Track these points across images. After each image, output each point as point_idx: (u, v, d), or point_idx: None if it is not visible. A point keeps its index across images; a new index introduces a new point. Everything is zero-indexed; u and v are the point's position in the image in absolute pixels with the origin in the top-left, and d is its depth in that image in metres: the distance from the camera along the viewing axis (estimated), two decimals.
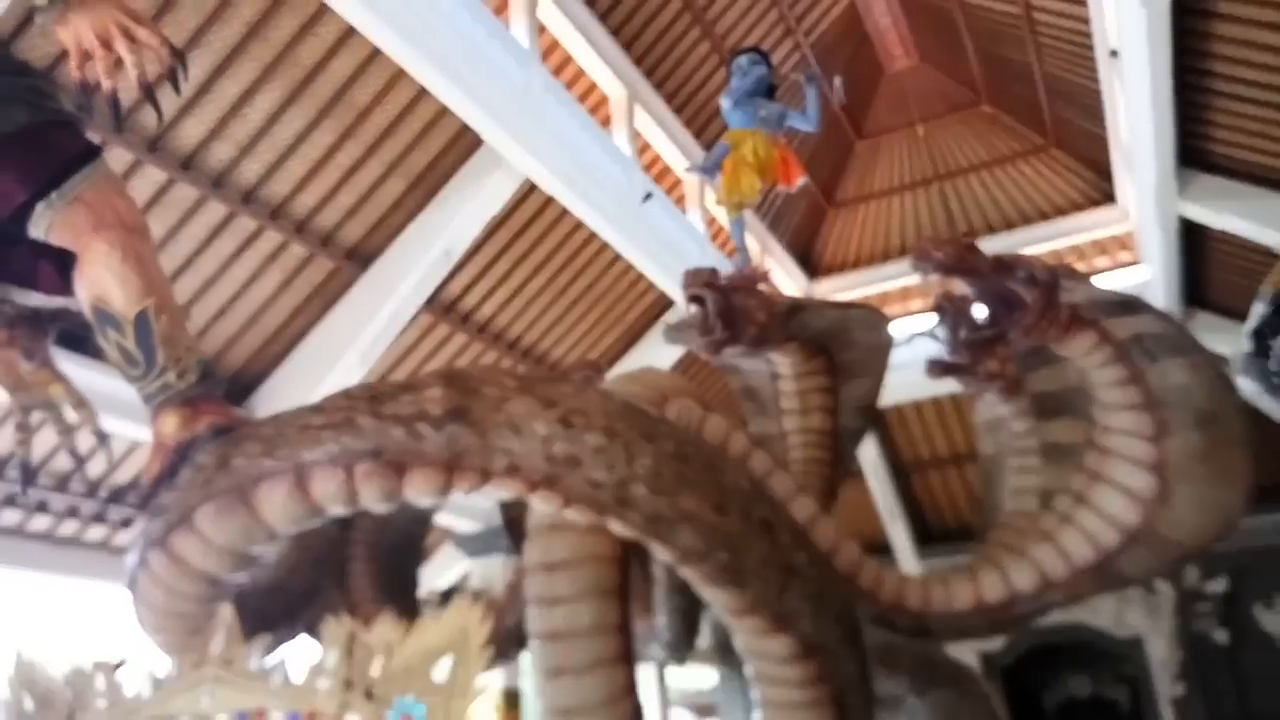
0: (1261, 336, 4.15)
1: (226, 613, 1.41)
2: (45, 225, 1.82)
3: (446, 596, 11.69)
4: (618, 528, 1.92)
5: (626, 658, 2.47)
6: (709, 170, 4.40)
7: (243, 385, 8.85)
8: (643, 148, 10.75)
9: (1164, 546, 2.61)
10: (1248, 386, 4.20)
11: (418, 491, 1.80)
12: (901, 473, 14.45)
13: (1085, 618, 12.14)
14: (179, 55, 1.83)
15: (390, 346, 9.20)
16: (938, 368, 3.26)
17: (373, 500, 1.80)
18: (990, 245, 12.73)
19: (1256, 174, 9.57)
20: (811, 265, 15.90)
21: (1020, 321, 2.58)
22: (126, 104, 1.82)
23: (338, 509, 1.81)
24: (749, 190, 4.03)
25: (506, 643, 3.45)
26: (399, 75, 7.60)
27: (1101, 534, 2.68)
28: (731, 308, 3.64)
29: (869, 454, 13.56)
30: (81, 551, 8.94)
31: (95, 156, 1.91)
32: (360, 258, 8.79)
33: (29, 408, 2.08)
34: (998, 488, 3.77)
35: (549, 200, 9.28)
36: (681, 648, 3.58)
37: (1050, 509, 2.86)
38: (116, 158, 6.77)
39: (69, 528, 8.79)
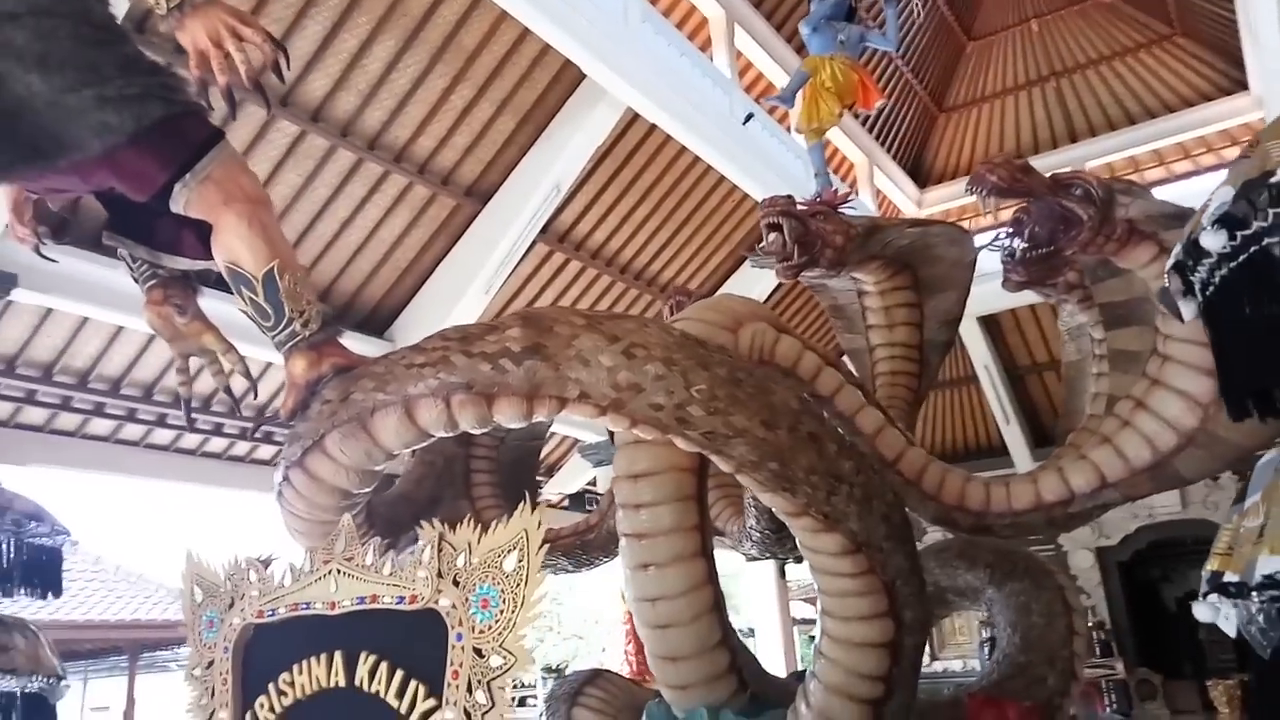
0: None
1: (348, 520, 1.78)
2: (183, 202, 2.13)
3: (575, 499, 12.43)
4: (680, 443, 2.21)
5: (704, 553, 2.78)
6: (786, 99, 4.49)
7: (382, 318, 9.54)
8: (745, 68, 10.70)
9: (1221, 448, 2.71)
10: None
11: (505, 417, 2.13)
12: (1016, 376, 14.15)
13: (1205, 513, 11.83)
14: (280, 46, 2.13)
15: (511, 275, 9.70)
16: (1013, 281, 3.37)
17: (469, 425, 2.14)
18: (1113, 142, 12.18)
19: None
20: (922, 175, 15.47)
21: (1076, 238, 2.68)
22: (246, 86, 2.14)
23: (440, 433, 2.16)
24: (827, 115, 4.12)
25: (611, 541, 3.83)
26: (502, 17, 7.86)
27: (1159, 436, 2.79)
28: (809, 232, 3.79)
29: (983, 358, 13.37)
30: (230, 464, 10.01)
31: (220, 139, 2.22)
32: (478, 194, 9.23)
33: (186, 355, 2.48)
34: (1079, 393, 3.87)
35: (652, 128, 9.43)
36: (771, 545, 3.87)
37: (1112, 413, 2.98)
38: (251, 114, 7.35)
39: (217, 445, 9.83)
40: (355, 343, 7.99)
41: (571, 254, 10.48)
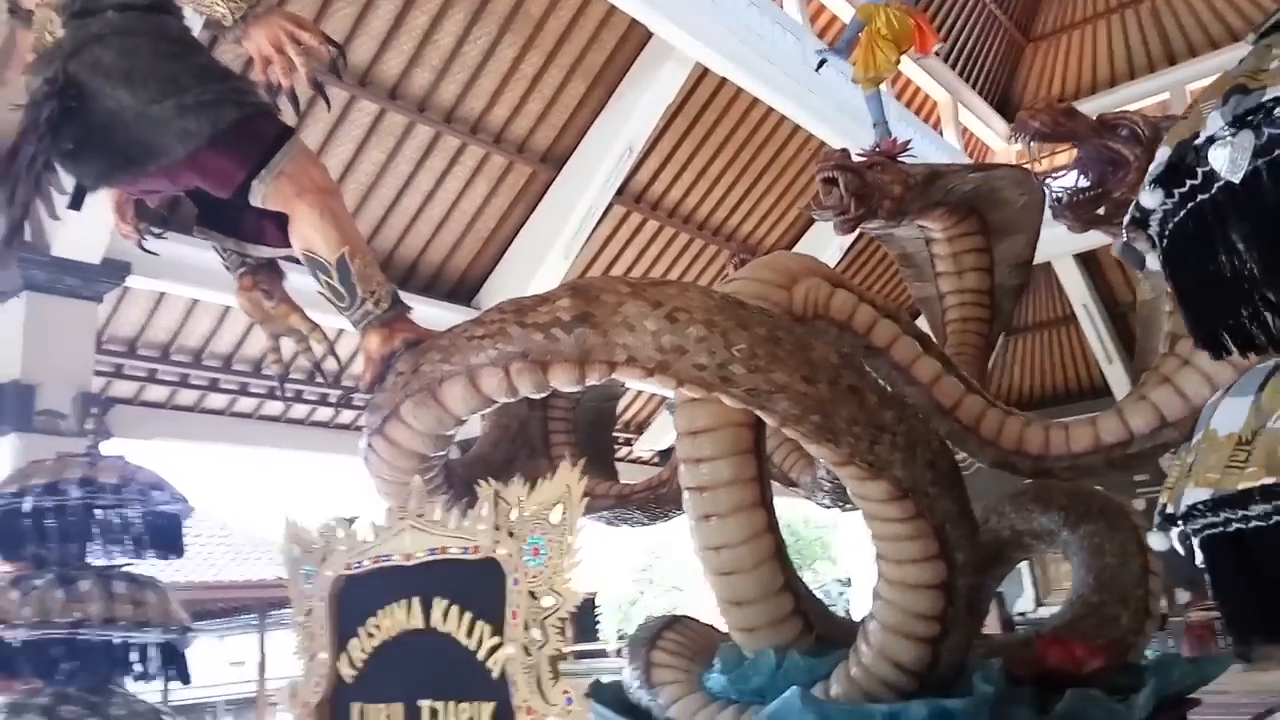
0: None
1: (418, 481, 1.97)
2: (261, 196, 2.33)
3: (664, 454, 12.68)
4: (726, 400, 2.34)
5: (763, 503, 2.90)
6: (842, 51, 4.48)
7: (469, 287, 9.86)
8: (816, 12, 10.52)
9: None
10: None
11: (559, 382, 2.29)
12: (1117, 314, 13.67)
13: None
14: (339, 48, 2.29)
15: (590, 238, 9.88)
16: (1077, 224, 3.36)
17: (527, 391, 2.31)
18: (1215, 62, 11.54)
19: None
20: (1011, 109, 14.93)
21: (1124, 178, 2.68)
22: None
23: (502, 399, 2.33)
24: (884, 64, 4.10)
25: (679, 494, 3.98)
26: None
27: (1219, 374, 2.78)
28: (865, 185, 3.82)
29: (1081, 296, 12.96)
30: (336, 432, 10.49)
31: (291, 136, 2.40)
32: (553, 160, 9.40)
33: (277, 335, 2.71)
34: (1153, 332, 3.83)
35: (723, 82, 9.41)
36: (842, 495, 3.97)
37: (1173, 352, 2.97)
38: (332, 97, 7.65)
39: (324, 414, 10.32)
40: (445, 312, 8.32)
41: (648, 214, 10.58)
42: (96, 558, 3.15)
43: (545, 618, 1.60)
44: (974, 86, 14.31)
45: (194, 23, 2.63)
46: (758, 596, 2.92)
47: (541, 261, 9.41)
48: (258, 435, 9.96)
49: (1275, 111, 1.10)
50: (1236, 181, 1.13)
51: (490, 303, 9.78)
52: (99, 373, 7.92)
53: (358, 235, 2.47)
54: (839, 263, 12.08)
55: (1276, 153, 1.10)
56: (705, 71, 9.19)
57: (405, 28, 7.83)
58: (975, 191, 4.22)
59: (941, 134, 13.93)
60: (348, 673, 1.94)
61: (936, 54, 13.58)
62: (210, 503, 13.54)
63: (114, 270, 6.69)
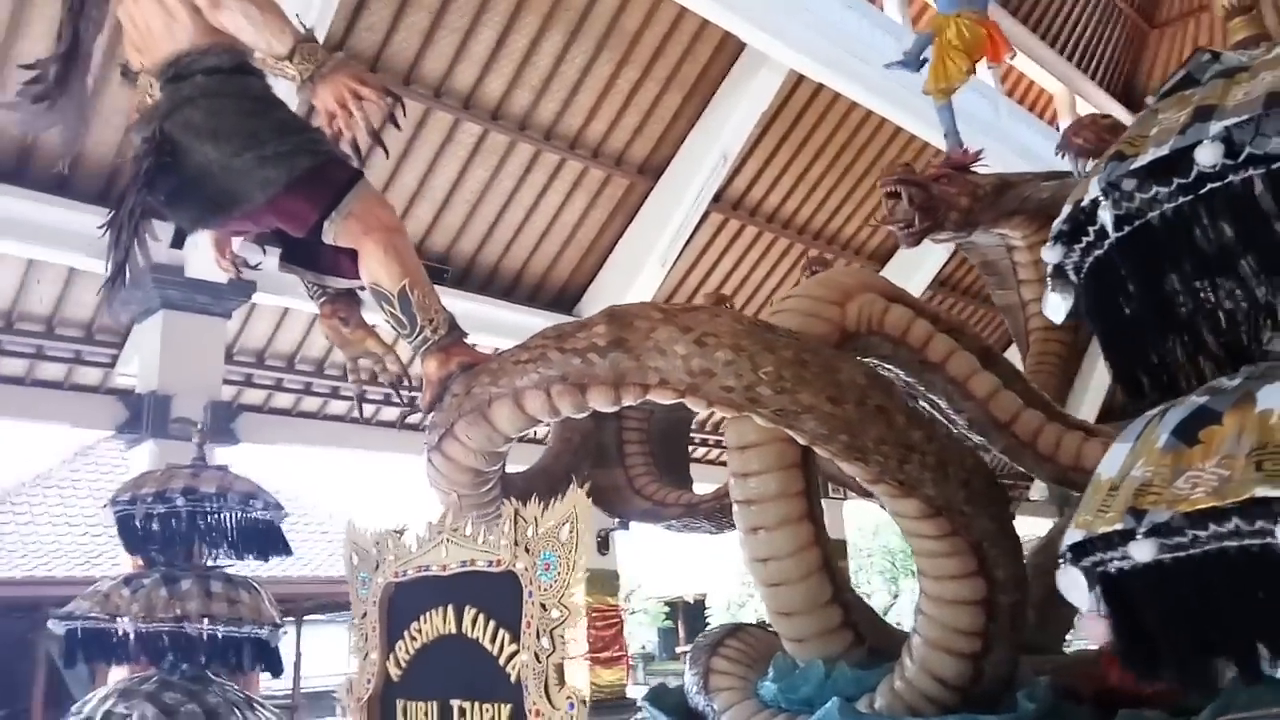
0: None
1: (454, 499, 2.15)
2: (332, 234, 2.56)
3: None
4: (757, 420, 2.44)
5: (810, 516, 2.96)
6: (910, 64, 4.46)
7: (571, 296, 10.15)
8: (920, 10, 10.34)
9: None
10: None
11: (597, 403, 2.43)
12: None
13: None
14: (396, 98, 2.48)
15: (687, 246, 10.01)
16: None
17: (569, 411, 2.45)
18: None
19: None
20: (1135, 99, 14.23)
21: None
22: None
23: (545, 419, 2.49)
24: (956, 74, 4.08)
25: None
26: None
27: None
28: (931, 197, 3.83)
29: None
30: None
31: (359, 180, 2.62)
32: (650, 171, 9.57)
33: (355, 357, 2.95)
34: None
35: (820, 86, 9.38)
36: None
37: None
38: (439, 119, 8.07)
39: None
40: (547, 321, 8.58)
41: (746, 220, 10.63)
42: (215, 559, 3.51)
43: (554, 628, 1.74)
44: (1093, 77, 13.73)
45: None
46: (805, 608, 2.99)
47: (640, 270, 9.60)
48: (377, 440, 10.47)
49: (1151, 175, 1.14)
50: (1100, 247, 1.18)
51: (591, 311, 10.06)
52: (230, 382, 8.56)
53: (419, 269, 2.67)
54: (944, 265, 11.83)
55: (1150, 215, 1.14)
56: (802, 77, 9.19)
57: (506, 51, 8.14)
58: (1053, 199, 4.15)
59: (1058, 129, 13.44)
60: (395, 672, 2.14)
61: (1052, 44, 13.13)
62: (338, 503, 14.29)
63: (241, 289, 7.22)
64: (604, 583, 10.16)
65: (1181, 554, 1.02)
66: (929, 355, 3.29)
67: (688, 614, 19.43)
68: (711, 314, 2.46)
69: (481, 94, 8.30)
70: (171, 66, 2.54)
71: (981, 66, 11.50)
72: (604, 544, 10.04)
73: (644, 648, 18.38)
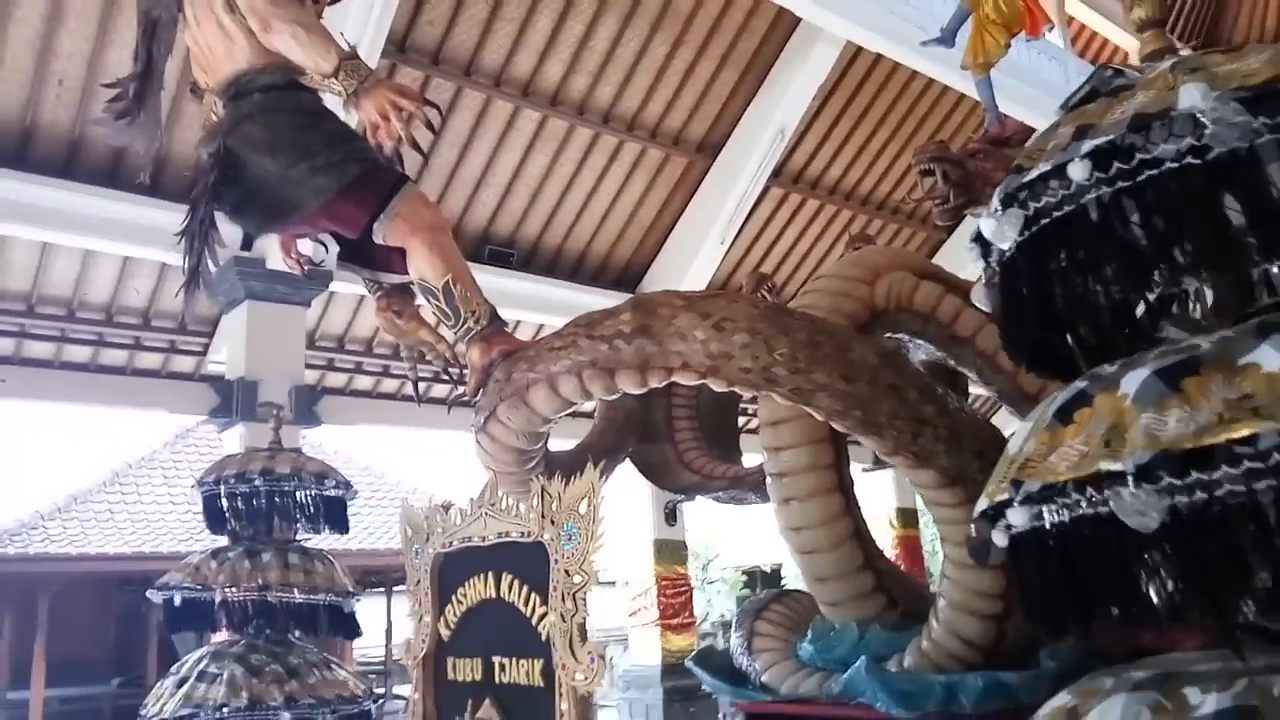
0: None
1: (491, 478, 2.36)
2: (382, 235, 2.78)
3: None
4: (776, 398, 2.59)
5: (840, 488, 3.11)
6: (947, 40, 4.46)
7: (633, 275, 10.31)
8: None
9: None
10: None
11: (626, 386, 2.61)
12: None
13: None
14: (435, 107, 2.67)
15: (748, 222, 10.08)
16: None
17: (600, 394, 2.64)
18: None
19: None
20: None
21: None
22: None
23: (580, 401, 2.67)
24: (994, 49, 4.07)
25: None
26: None
27: None
28: (966, 174, 3.87)
29: None
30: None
31: (404, 184, 2.83)
32: (708, 149, 9.65)
33: (410, 346, 3.18)
34: None
35: (879, 56, 9.30)
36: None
37: None
38: (499, 109, 8.30)
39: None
40: (611, 300, 8.75)
41: (808, 193, 10.62)
42: (295, 533, 3.84)
43: (575, 592, 1.94)
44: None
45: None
46: (837, 574, 3.14)
47: (700, 247, 9.71)
48: (451, 420, 10.85)
49: (1038, 187, 1.26)
50: (1006, 249, 1.30)
51: (654, 290, 10.19)
52: (313, 366, 9.00)
53: (461, 264, 2.88)
54: None
55: (1044, 221, 1.27)
56: (860, 48, 9.13)
57: (563, 38, 8.30)
58: None
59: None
60: (445, 633, 2.37)
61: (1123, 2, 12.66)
62: (421, 478, 14.80)
63: (319, 278, 7.59)
64: (673, 552, 10.42)
65: (1045, 522, 1.16)
66: (958, 330, 3.38)
67: (765, 582, 19.58)
68: (729, 299, 2.62)
69: (540, 81, 8.49)
70: (232, 85, 2.79)
71: (1056, 25, 11.24)
72: (671, 515, 10.28)
73: (723, 616, 18.63)
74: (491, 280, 9.13)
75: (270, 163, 2.72)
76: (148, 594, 3.57)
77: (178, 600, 3.46)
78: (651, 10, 8.53)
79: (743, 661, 3.49)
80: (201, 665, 3.36)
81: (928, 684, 2.72)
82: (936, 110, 10.66)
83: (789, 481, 3.19)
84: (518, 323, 9.86)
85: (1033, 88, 9.38)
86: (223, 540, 3.70)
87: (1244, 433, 1.03)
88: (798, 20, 8.71)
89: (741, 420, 5.28)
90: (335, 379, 9.71)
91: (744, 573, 21.35)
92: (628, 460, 4.26)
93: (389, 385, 10.24)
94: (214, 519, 3.68)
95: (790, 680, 3.23)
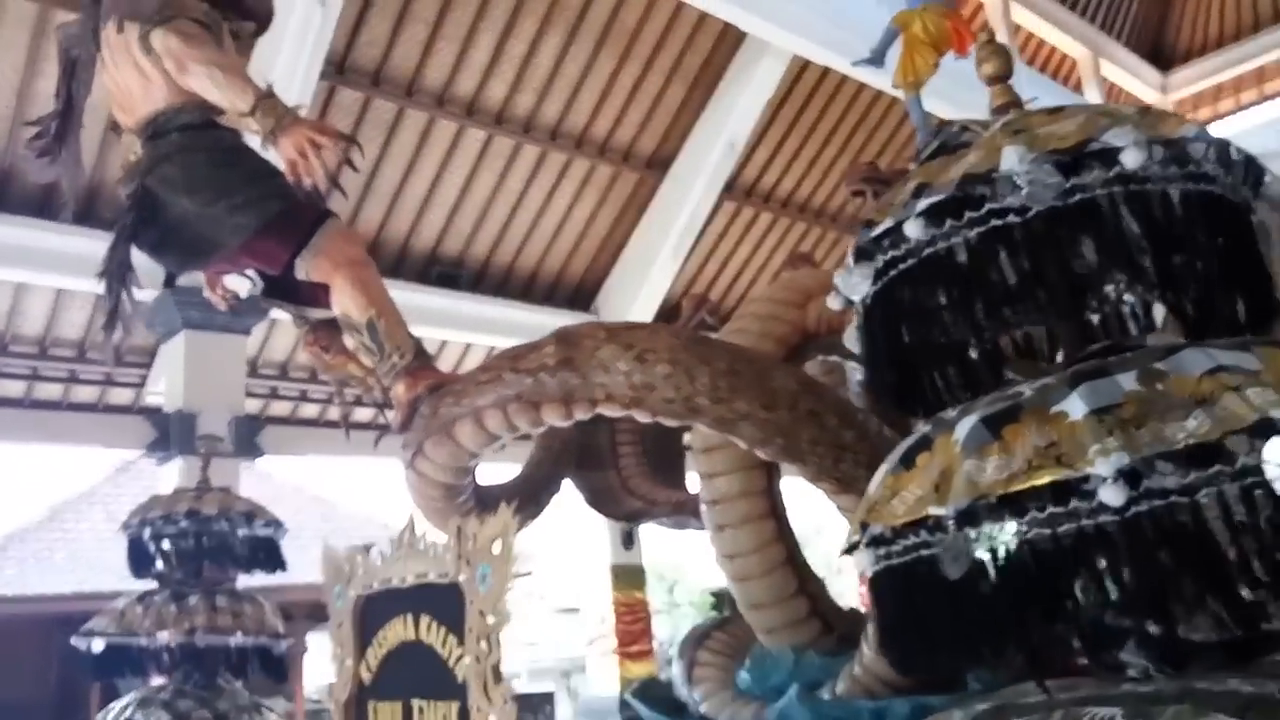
0: None
1: (411, 517, 2.31)
2: (305, 271, 2.74)
3: None
4: (701, 427, 2.58)
5: (773, 514, 3.10)
6: (877, 60, 4.52)
7: (587, 292, 10.29)
8: None
9: None
10: None
11: (551, 419, 2.58)
12: None
13: None
14: (352, 142, 2.63)
15: (702, 235, 10.10)
16: None
17: (526, 428, 2.61)
18: None
19: None
20: (1164, 57, 13.97)
21: None
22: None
23: (506, 435, 2.64)
24: (924, 67, 4.14)
25: None
26: None
27: None
28: None
29: None
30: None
31: (326, 219, 2.79)
32: (658, 164, 9.67)
33: (338, 381, 3.14)
34: None
35: (826, 69, 9.39)
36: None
37: None
38: (444, 128, 8.26)
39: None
40: (565, 319, 8.76)
41: (761, 207, 10.68)
42: (226, 573, 3.76)
43: (490, 633, 1.90)
44: (1118, 38, 13.52)
45: None
46: (771, 600, 3.13)
47: (653, 263, 9.72)
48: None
49: (884, 242, 1.31)
50: (856, 300, 1.35)
51: (607, 307, 10.20)
52: (256, 395, 8.85)
53: (385, 299, 2.84)
54: None
55: (891, 273, 1.30)
56: (808, 61, 9.21)
57: (505, 55, 8.28)
58: None
59: (1083, 94, 13.25)
60: (365, 676, 2.32)
61: (1073, 8, 12.94)
62: (374, 508, 14.55)
63: (259, 305, 7.47)
64: (630, 577, 10.28)
65: (888, 563, 1.19)
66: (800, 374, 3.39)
67: (734, 603, 19.57)
68: (651, 330, 2.61)
69: (484, 99, 8.45)
70: (150, 125, 2.74)
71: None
72: (628, 539, 10.19)
73: None
74: (440, 302, 9.16)
75: (189, 202, 2.68)
76: (71, 641, 3.47)
77: (101, 647, 3.37)
78: (595, 26, 8.54)
79: (683, 691, 3.46)
80: (128, 713, 3.27)
81: (856, 710, 2.72)
82: (886, 121, 10.79)
83: (721, 509, 3.17)
84: (468, 345, 9.80)
85: (981, 95, 9.49)
86: (151, 584, 3.62)
87: (1045, 480, 1.08)
88: (745, 34, 8.77)
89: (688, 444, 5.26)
90: (280, 407, 9.55)
91: (712, 594, 21.34)
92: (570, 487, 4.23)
93: (336, 413, 10.10)
94: (140, 562, 3.59)
95: (729, 710, 3.21)
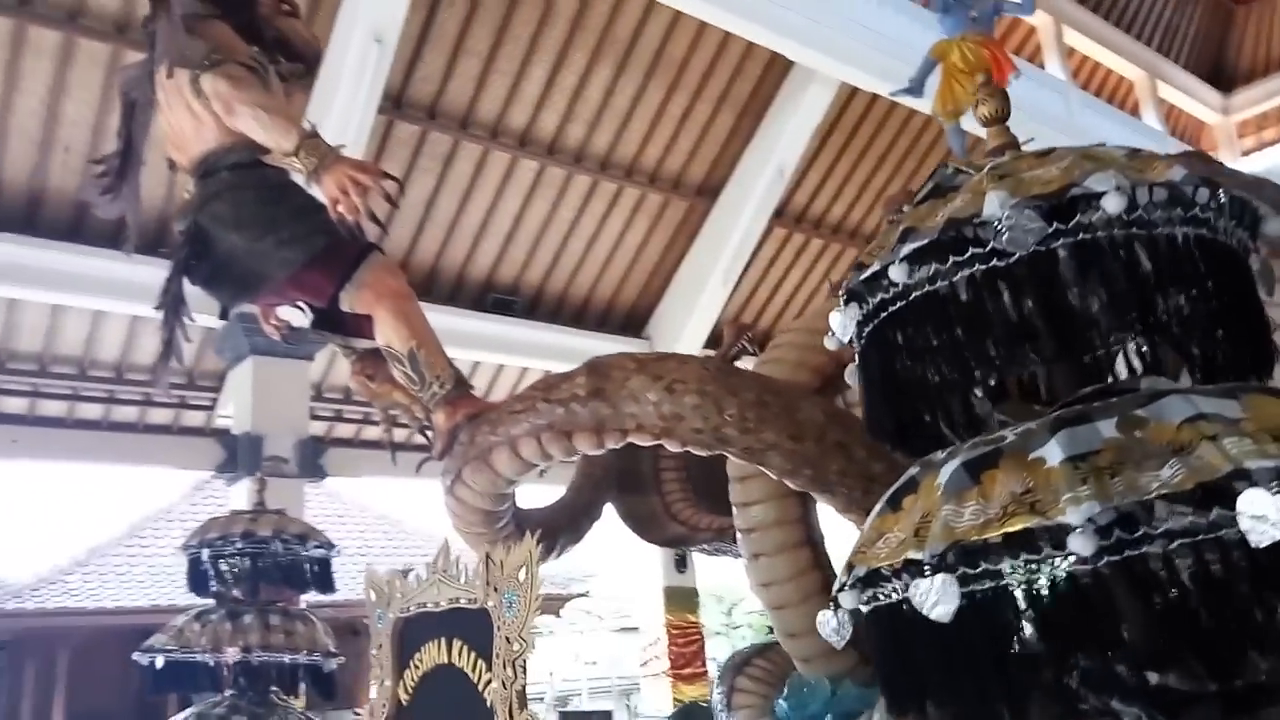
0: None
1: (445, 543, 2.40)
2: (348, 303, 2.87)
3: None
4: (731, 457, 2.63)
5: (809, 542, 3.12)
6: (915, 90, 4.54)
7: (639, 318, 10.39)
8: None
9: None
10: None
11: (584, 448, 2.65)
12: None
13: None
14: (394, 180, 2.75)
15: (752, 261, 10.15)
16: None
17: (560, 456, 2.69)
18: None
19: None
20: (1225, 78, 13.65)
21: None
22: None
23: (541, 463, 2.72)
24: (963, 96, 4.15)
25: None
26: (704, 23, 8.31)
27: None
28: None
29: None
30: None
31: (370, 252, 2.91)
32: (708, 191, 9.76)
33: (384, 409, 3.25)
34: None
35: (875, 94, 9.39)
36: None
37: None
38: (497, 159, 8.45)
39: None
40: (618, 344, 8.87)
41: (811, 233, 10.69)
42: (283, 591, 3.91)
43: (514, 659, 1.97)
44: (1176, 60, 13.26)
45: None
46: (805, 629, 3.13)
47: (703, 289, 9.78)
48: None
49: (873, 285, 1.33)
50: (846, 341, 1.38)
51: (659, 333, 10.28)
52: (320, 418, 9.11)
53: (426, 330, 2.95)
54: None
55: (882, 315, 1.33)
56: (856, 86, 9.23)
57: (556, 88, 8.47)
58: None
59: (1140, 117, 13.01)
60: (404, 697, 2.41)
61: (1127, 30, 12.75)
62: (440, 528, 14.79)
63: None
64: (684, 600, 10.31)
65: (874, 605, 1.20)
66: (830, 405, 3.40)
67: None
68: (680, 361, 2.66)
69: (536, 131, 8.65)
70: (201, 164, 2.90)
71: (1053, 61, 11.30)
72: (681, 562, 10.20)
73: None
74: (495, 328, 9.34)
75: (238, 237, 2.82)
76: (134, 656, 3.64)
77: (160, 663, 3.53)
78: (644, 57, 8.68)
79: (723, 718, 3.49)
80: None
81: None
82: (938, 146, 10.72)
83: (757, 536, 3.20)
84: (523, 370, 9.95)
85: (1034, 120, 9.41)
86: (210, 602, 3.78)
87: (1017, 527, 1.06)
88: (792, 61, 8.83)
89: None
90: (343, 430, 9.80)
91: None
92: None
93: (398, 436, 10.32)
94: (198, 582, 3.76)
95: None
